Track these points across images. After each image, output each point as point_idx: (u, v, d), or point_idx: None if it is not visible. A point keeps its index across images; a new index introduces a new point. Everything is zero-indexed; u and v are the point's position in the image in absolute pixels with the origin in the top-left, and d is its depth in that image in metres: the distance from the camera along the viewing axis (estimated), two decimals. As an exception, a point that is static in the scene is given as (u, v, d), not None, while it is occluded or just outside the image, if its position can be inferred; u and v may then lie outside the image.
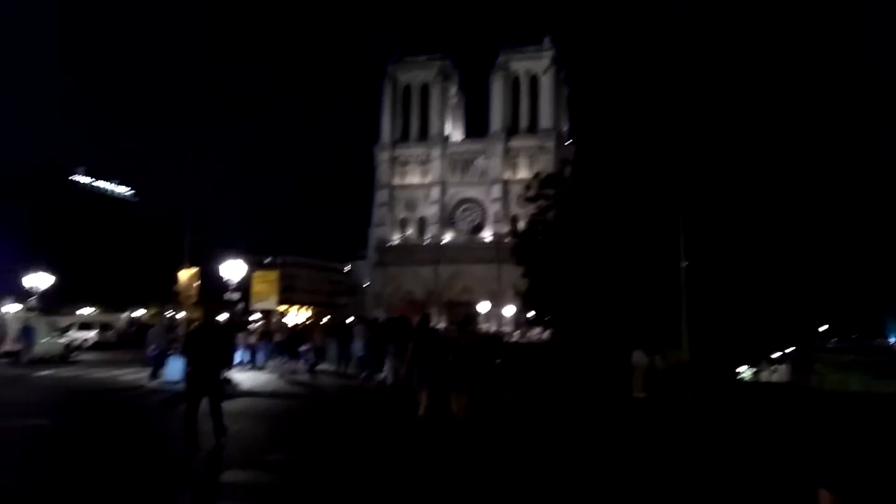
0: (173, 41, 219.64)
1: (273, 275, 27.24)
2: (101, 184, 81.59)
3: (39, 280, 34.94)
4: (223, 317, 22.00)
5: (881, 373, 15.44)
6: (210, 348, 9.31)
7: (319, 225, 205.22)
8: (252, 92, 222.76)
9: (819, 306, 17.94)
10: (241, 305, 23.05)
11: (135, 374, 19.45)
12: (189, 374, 9.40)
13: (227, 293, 22.93)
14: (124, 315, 46.81)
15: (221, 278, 22.80)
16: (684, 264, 14.63)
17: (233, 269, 22.97)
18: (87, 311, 53.08)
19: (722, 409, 13.47)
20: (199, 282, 18.05)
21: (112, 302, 51.55)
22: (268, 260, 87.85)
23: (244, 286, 24.55)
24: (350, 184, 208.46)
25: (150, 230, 61.50)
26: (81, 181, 78.92)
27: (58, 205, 60.87)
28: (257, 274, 26.49)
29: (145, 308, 57.31)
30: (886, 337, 52.76)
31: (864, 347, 39.00)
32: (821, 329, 23.22)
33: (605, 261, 17.01)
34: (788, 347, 20.43)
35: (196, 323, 12.11)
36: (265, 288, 25.52)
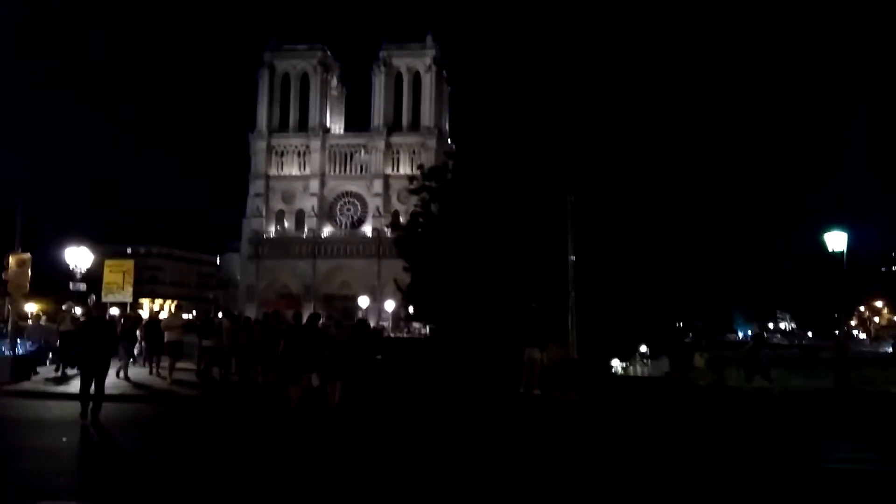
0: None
1: (127, 264, 24.98)
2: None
3: None
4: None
5: (755, 368, 16.84)
6: (102, 338, 11.81)
7: (190, 215, 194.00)
8: (124, 66, 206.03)
9: (690, 299, 19.32)
10: (92, 297, 21.09)
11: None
12: (83, 359, 11.92)
13: (72, 283, 21.11)
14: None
15: (67, 267, 20.99)
16: (572, 258, 15.14)
17: (78, 257, 21.14)
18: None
19: (615, 407, 14.03)
20: (28, 270, 16.28)
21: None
22: (129, 250, 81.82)
23: (94, 277, 22.70)
24: (224, 173, 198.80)
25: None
26: None
27: None
28: (109, 263, 24.23)
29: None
30: (735, 331, 57.87)
31: (734, 343, 42.44)
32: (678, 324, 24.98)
33: (490, 254, 17.41)
34: (660, 340, 21.80)
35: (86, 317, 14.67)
36: (117, 278, 23.46)
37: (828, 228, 17.08)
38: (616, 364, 25.20)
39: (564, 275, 16.09)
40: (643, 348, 26.52)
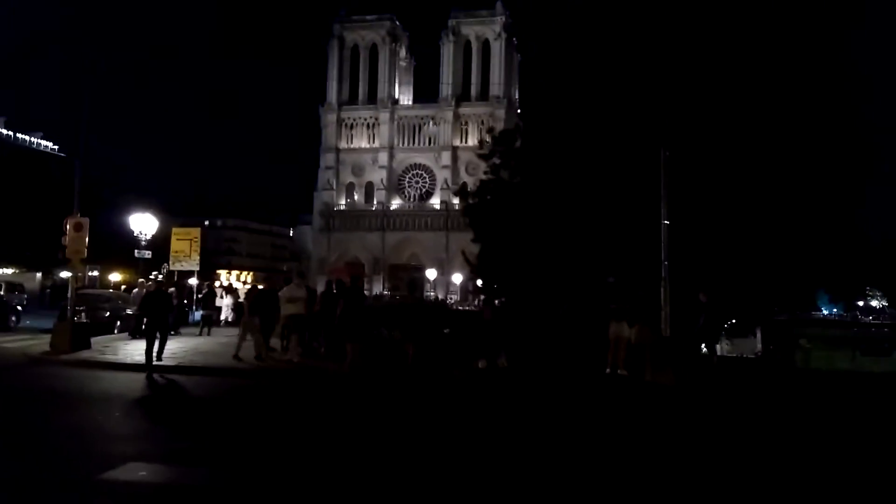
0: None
1: (194, 232, 24.72)
2: (24, 137, 75.91)
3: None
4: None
5: (871, 350, 14.80)
6: (161, 306, 14.05)
7: (264, 188, 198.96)
8: (197, 42, 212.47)
9: (782, 272, 17.29)
10: (164, 267, 21.07)
11: (23, 342, 17.35)
12: (148, 324, 13.76)
13: (137, 251, 21.01)
14: (38, 275, 43.62)
15: (132, 233, 20.85)
16: (666, 222, 13.41)
17: (142, 224, 20.92)
18: (6, 271, 49.46)
19: (716, 393, 12.44)
20: (86, 235, 15.93)
21: (31, 262, 48.04)
22: (207, 223, 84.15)
23: (157, 244, 22.59)
24: (296, 146, 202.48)
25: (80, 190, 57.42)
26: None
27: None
28: (176, 231, 24.03)
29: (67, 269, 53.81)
30: (820, 309, 54.22)
31: (838, 322, 39.16)
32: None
33: (567, 222, 15.88)
34: (751, 316, 19.70)
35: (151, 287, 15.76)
36: (184, 247, 23.22)
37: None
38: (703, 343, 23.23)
39: (650, 243, 14.41)
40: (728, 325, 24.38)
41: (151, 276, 19.63)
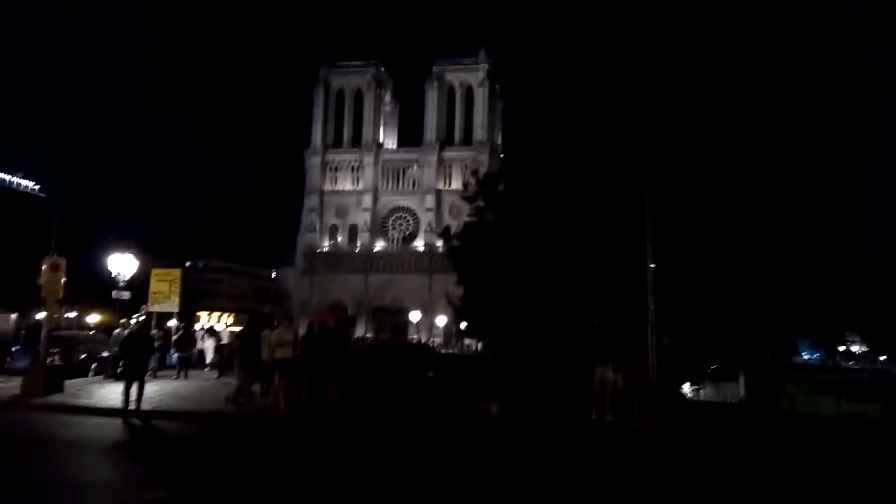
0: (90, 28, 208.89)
1: (174, 273, 24.36)
2: (2, 176, 75.28)
3: None
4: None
5: (856, 395, 14.76)
6: (143, 348, 14.00)
7: (245, 230, 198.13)
8: (182, 80, 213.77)
9: (785, 319, 17.28)
10: (144, 308, 20.73)
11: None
12: (126, 366, 13.56)
13: (115, 291, 20.65)
14: (13, 316, 42.64)
15: (111, 274, 20.54)
16: (652, 266, 13.38)
17: (121, 264, 20.60)
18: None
19: (702, 439, 12.28)
20: (62, 275, 15.65)
21: (7, 303, 47.01)
22: (188, 264, 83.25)
23: (136, 285, 22.23)
24: (278, 189, 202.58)
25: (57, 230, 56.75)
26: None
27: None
28: (156, 272, 23.66)
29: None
30: (799, 354, 54.33)
31: (822, 367, 39.05)
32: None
33: (550, 265, 15.87)
34: (734, 360, 19.66)
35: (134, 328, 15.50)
36: (164, 287, 22.84)
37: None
38: (685, 388, 23.06)
39: (634, 286, 14.40)
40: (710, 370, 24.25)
41: (134, 317, 19.31)
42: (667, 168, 14.56)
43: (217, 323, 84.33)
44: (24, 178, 77.45)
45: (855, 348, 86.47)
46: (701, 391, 24.68)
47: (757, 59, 16.37)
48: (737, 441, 12.41)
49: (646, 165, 14.20)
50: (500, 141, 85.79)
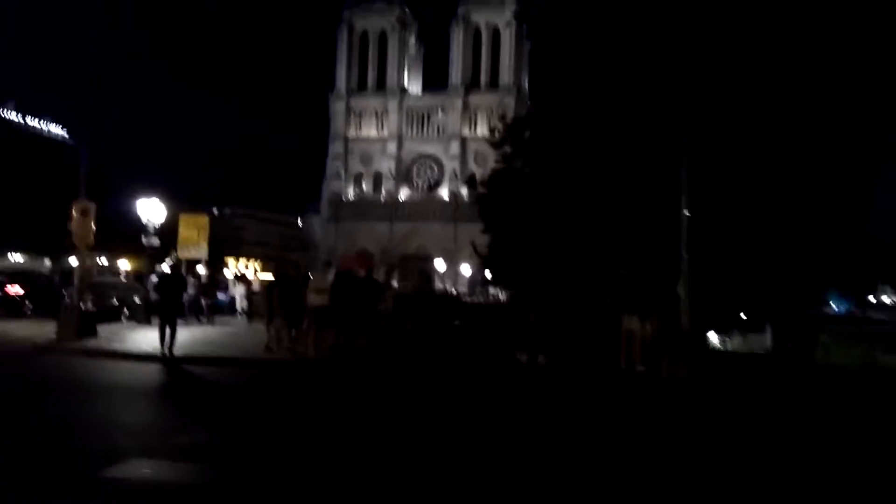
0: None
1: (202, 219, 24.56)
2: (33, 122, 75.99)
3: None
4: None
5: (892, 347, 14.43)
6: (175, 290, 14.41)
7: (270, 177, 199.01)
8: (204, 29, 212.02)
9: (816, 269, 16.81)
10: (173, 254, 20.93)
11: (27, 330, 17.10)
12: (162, 308, 13.90)
13: (145, 237, 20.83)
14: (48, 261, 43.67)
15: (139, 221, 20.67)
16: (686, 212, 13.01)
17: (150, 210, 20.67)
18: (16, 257, 49.63)
19: (735, 388, 12.06)
20: (91, 220, 15.75)
21: (40, 248, 48.15)
22: (215, 210, 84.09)
23: (165, 231, 22.40)
24: (303, 134, 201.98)
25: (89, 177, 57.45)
26: (9, 117, 73.27)
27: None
28: (184, 217, 23.84)
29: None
30: (830, 305, 53.42)
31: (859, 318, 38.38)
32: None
33: (580, 211, 15.51)
34: (763, 310, 19.29)
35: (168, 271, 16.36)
36: (192, 234, 23.05)
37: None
38: (713, 337, 22.80)
39: (665, 235, 14.04)
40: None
41: (166, 262, 19.58)
42: (702, 113, 13.95)
43: (245, 270, 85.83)
44: (52, 123, 78.07)
45: (886, 299, 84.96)
46: (728, 341, 24.47)
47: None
48: (770, 390, 12.22)
49: (680, 109, 13.61)
50: (526, 86, 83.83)
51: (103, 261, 52.94)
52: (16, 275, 26.25)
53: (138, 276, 27.70)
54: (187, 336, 16.62)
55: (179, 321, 14.31)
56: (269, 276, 27.23)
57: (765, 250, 15.62)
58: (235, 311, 26.57)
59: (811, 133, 15.78)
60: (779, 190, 15.58)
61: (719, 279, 14.76)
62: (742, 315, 22.23)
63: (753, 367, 14.89)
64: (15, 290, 22.19)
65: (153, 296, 16.29)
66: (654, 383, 12.19)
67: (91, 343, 14.90)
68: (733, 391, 11.96)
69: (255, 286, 26.81)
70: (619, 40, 15.67)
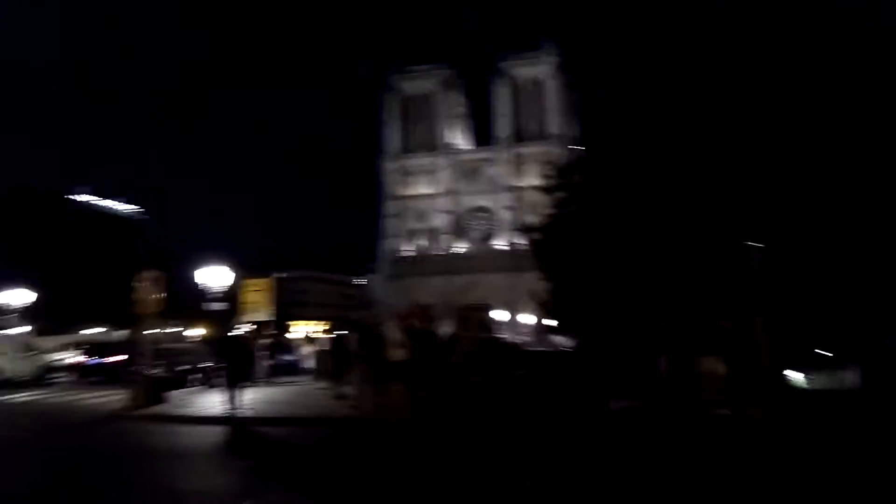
0: (177, 57, 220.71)
1: (266, 283, 25.18)
2: (107, 203, 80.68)
3: (15, 297, 33.33)
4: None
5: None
6: (240, 354, 14.55)
7: (325, 239, 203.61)
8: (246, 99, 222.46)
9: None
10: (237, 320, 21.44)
11: (101, 399, 17.73)
12: (229, 371, 14.17)
13: (208, 303, 21.34)
14: (117, 333, 45.35)
15: (204, 288, 21.26)
16: (759, 245, 12.50)
17: (214, 276, 21.27)
18: (95, 330, 51.78)
19: (826, 428, 11.33)
20: (159, 289, 16.25)
21: (117, 320, 50.18)
22: (281, 275, 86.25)
23: (230, 297, 22.93)
24: (349, 197, 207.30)
25: (157, 249, 60.38)
26: (80, 199, 77.98)
27: (44, 224, 59.77)
28: (248, 282, 24.45)
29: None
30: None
31: None
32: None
33: (643, 254, 15.10)
34: (848, 345, 18.10)
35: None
36: (257, 297, 23.60)
37: None
38: (794, 375, 21.49)
39: (731, 273, 13.51)
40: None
41: (236, 328, 20.04)
42: (762, 160, 13.58)
43: (312, 332, 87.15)
44: (125, 202, 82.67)
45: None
46: (812, 379, 22.96)
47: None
48: (871, 431, 11.26)
49: (737, 157, 13.28)
50: (571, 133, 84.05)
51: (177, 329, 54.71)
52: (112, 344, 27.37)
53: (207, 342, 28.39)
54: (254, 396, 16.79)
55: (247, 383, 14.51)
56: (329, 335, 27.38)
57: (847, 283, 14.84)
58: (301, 370, 26.83)
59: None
60: (859, 223, 14.91)
61: (799, 315, 14.01)
62: (826, 352, 20.96)
63: (842, 406, 13.82)
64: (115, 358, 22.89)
65: (217, 360, 16.60)
66: (744, 426, 11.40)
67: (161, 408, 15.21)
68: (827, 433, 11.07)
69: (322, 345, 26.98)
70: (671, 93, 15.56)
